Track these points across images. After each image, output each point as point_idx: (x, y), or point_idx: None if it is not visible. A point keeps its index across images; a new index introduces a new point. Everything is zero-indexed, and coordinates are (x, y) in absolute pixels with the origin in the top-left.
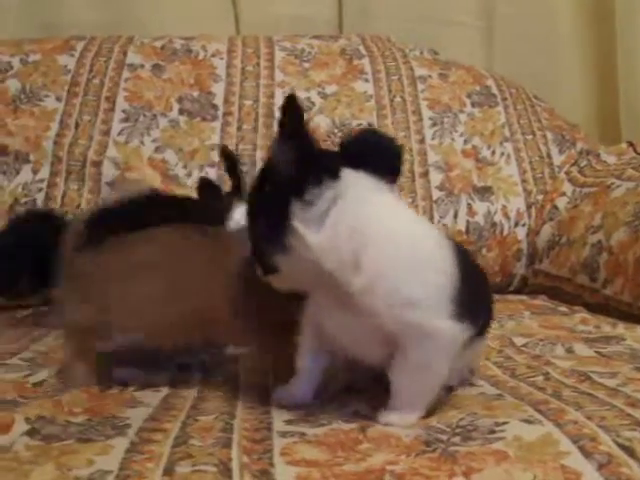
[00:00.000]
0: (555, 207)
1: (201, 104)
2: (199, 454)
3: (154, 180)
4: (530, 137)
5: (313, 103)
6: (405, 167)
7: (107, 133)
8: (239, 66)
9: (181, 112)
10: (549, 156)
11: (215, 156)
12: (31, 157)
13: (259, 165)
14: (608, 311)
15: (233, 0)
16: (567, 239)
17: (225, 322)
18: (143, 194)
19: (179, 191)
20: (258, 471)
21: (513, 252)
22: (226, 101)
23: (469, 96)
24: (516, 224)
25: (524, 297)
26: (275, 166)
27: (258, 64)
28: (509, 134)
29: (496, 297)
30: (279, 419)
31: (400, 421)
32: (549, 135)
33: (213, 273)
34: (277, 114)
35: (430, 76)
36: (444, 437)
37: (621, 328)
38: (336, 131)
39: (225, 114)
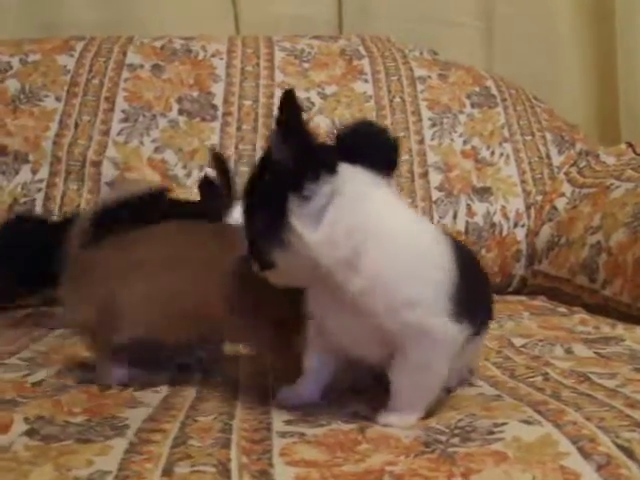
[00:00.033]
0: (554, 208)
1: (201, 104)
2: (198, 455)
3: (153, 180)
4: (529, 138)
5: (313, 103)
6: (404, 168)
7: (106, 133)
8: (239, 66)
9: (181, 112)
10: (548, 157)
11: None
12: (30, 157)
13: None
14: (607, 312)
15: (233, 0)
16: (566, 240)
17: (221, 318)
18: (148, 191)
19: (178, 191)
20: (257, 471)
21: (512, 253)
22: (226, 101)
23: (469, 97)
24: (515, 225)
25: (523, 298)
26: (272, 161)
27: (258, 64)
28: (508, 135)
29: (495, 298)
30: (278, 419)
31: (399, 422)
32: (548, 136)
33: (212, 270)
34: (276, 113)
35: (430, 77)
36: (443, 438)
37: (620, 329)
38: (336, 132)
39: (225, 114)
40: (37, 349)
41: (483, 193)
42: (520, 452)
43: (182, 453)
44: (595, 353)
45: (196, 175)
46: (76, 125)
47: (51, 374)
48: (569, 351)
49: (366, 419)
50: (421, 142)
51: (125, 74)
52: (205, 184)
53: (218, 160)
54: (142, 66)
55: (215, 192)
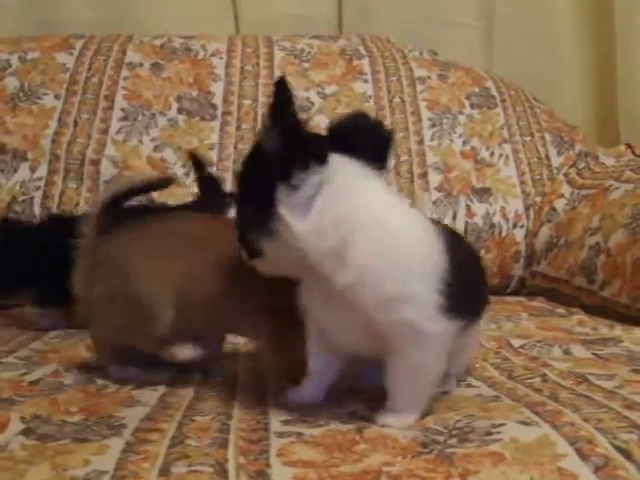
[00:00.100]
0: (553, 209)
1: (200, 103)
2: (195, 454)
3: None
4: (529, 139)
5: (312, 103)
6: (404, 168)
7: (106, 132)
8: (238, 65)
9: (180, 111)
10: (548, 158)
11: (214, 155)
12: (29, 155)
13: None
14: (606, 313)
15: None
16: (565, 241)
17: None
18: (156, 179)
19: (178, 190)
20: (254, 472)
21: (511, 253)
22: (225, 100)
23: (468, 97)
24: (514, 225)
25: (522, 299)
26: (262, 149)
27: (257, 64)
28: (508, 135)
29: (494, 298)
30: (276, 420)
31: (397, 422)
32: (548, 137)
33: (226, 259)
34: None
35: (429, 77)
36: (441, 439)
37: (618, 330)
38: (329, 122)
39: (224, 113)
40: (34, 348)
41: (482, 194)
42: (518, 453)
43: (179, 453)
44: (593, 354)
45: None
46: (75, 123)
47: (48, 373)
48: (567, 352)
49: (364, 419)
50: (420, 142)
51: (124, 72)
52: (205, 180)
53: (196, 161)
54: (141, 65)
55: (215, 188)
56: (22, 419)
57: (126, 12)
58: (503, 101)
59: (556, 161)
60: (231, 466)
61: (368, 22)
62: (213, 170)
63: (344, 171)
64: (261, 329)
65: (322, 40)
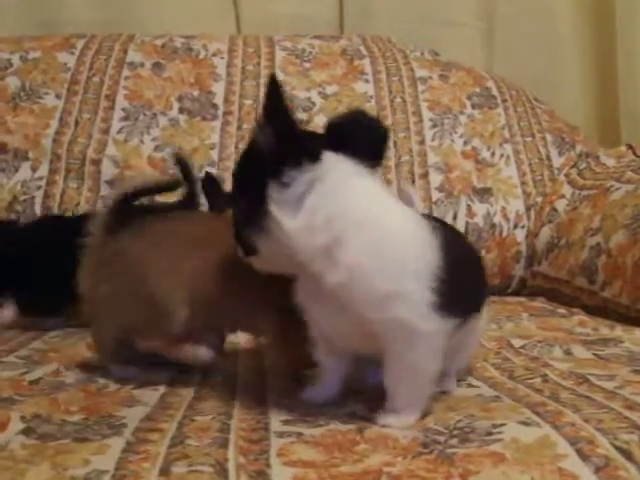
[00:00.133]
0: (554, 209)
1: (201, 103)
2: (195, 454)
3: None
4: (530, 139)
5: (313, 103)
6: (405, 168)
7: (107, 131)
8: (239, 65)
9: (181, 111)
10: (549, 158)
11: (215, 155)
12: (30, 155)
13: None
14: (606, 313)
15: None
16: (566, 241)
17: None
18: (165, 180)
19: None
20: (254, 472)
21: (512, 254)
22: (226, 100)
23: (469, 98)
24: (515, 226)
25: (522, 299)
26: (257, 147)
27: (259, 64)
28: (509, 136)
29: (494, 299)
30: (276, 419)
31: (397, 423)
32: (549, 137)
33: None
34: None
35: (430, 77)
36: (441, 439)
37: (619, 330)
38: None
39: (225, 113)
40: (35, 347)
41: (483, 194)
42: (518, 453)
43: (179, 453)
44: (594, 355)
45: (194, 174)
46: (76, 123)
47: (48, 372)
48: (568, 352)
49: (364, 419)
50: (422, 143)
51: (126, 72)
52: (208, 181)
53: (181, 162)
54: (143, 64)
55: (217, 189)
56: (22, 418)
57: (127, 12)
58: (504, 101)
59: (557, 161)
60: (231, 466)
61: (369, 22)
62: (213, 170)
63: (337, 169)
64: (267, 326)
65: (323, 40)
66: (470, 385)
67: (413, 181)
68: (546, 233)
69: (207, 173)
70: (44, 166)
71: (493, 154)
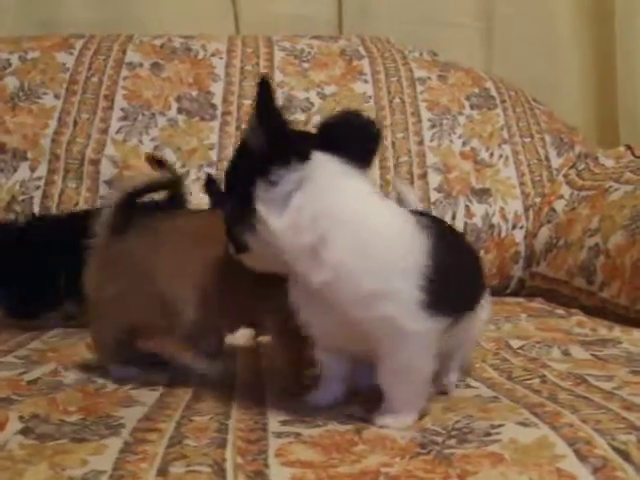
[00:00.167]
0: (553, 210)
1: (200, 103)
2: (193, 454)
3: None
4: (528, 140)
5: (312, 103)
6: (404, 169)
7: (105, 131)
8: (238, 65)
9: (180, 111)
10: (547, 159)
11: (214, 155)
12: (29, 155)
13: None
14: (605, 314)
15: None
16: (564, 242)
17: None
18: (167, 178)
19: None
20: (252, 472)
21: (511, 254)
22: (225, 101)
23: (468, 98)
24: (514, 226)
25: (521, 299)
26: (248, 147)
27: (257, 64)
28: (508, 136)
29: (493, 299)
30: (274, 420)
31: (395, 423)
32: (547, 138)
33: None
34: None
35: (429, 78)
36: (439, 439)
37: (617, 331)
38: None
39: (224, 114)
40: (33, 347)
41: (482, 194)
42: (517, 454)
43: (177, 453)
44: (592, 355)
45: (194, 174)
46: (75, 123)
47: (47, 372)
48: (566, 353)
49: (362, 420)
50: (420, 143)
51: (124, 72)
52: (209, 182)
53: (158, 163)
54: (141, 64)
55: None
56: (21, 418)
57: (126, 12)
58: (503, 102)
59: (556, 162)
60: (229, 466)
61: (368, 22)
62: (212, 171)
63: (325, 168)
64: (271, 324)
65: (322, 40)
66: (468, 386)
67: (412, 182)
68: (545, 234)
69: (208, 175)
70: (43, 166)
71: (492, 155)
